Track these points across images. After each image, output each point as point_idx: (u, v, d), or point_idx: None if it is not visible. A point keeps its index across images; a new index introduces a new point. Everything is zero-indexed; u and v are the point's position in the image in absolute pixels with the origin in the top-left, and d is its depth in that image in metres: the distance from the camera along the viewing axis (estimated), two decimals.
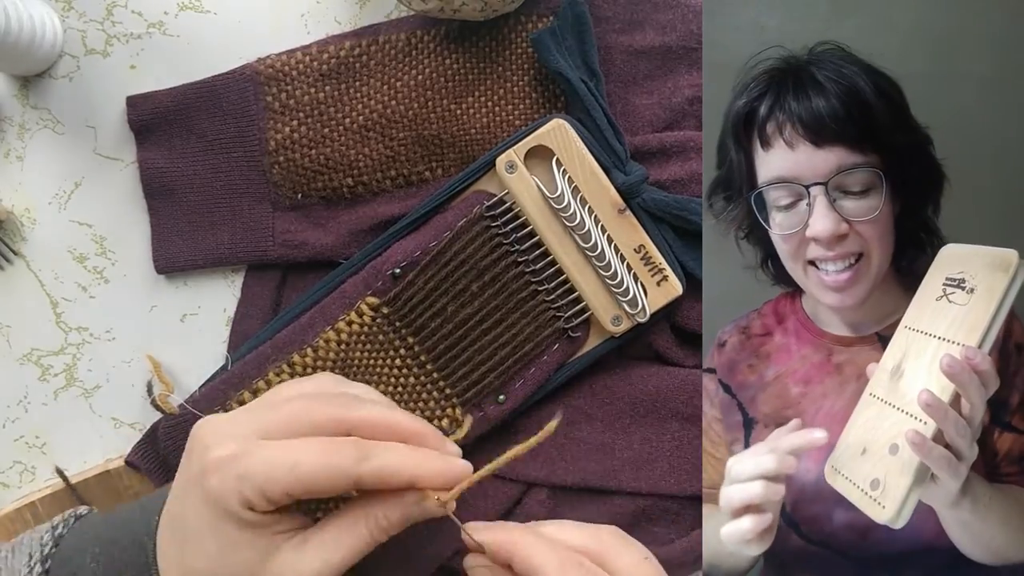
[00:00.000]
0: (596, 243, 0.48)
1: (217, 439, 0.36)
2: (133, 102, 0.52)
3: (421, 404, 0.49)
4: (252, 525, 0.35)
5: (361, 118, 0.50)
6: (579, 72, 0.48)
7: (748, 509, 0.43)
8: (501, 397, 0.49)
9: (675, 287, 0.48)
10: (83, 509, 0.44)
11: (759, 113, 0.46)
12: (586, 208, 0.48)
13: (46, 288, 0.53)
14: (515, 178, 0.48)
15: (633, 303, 0.48)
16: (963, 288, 0.41)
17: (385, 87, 0.50)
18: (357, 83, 0.51)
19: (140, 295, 0.53)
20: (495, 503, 0.50)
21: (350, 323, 0.49)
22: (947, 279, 0.42)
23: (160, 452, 0.50)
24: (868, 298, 0.46)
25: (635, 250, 0.48)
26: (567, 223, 0.48)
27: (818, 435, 0.42)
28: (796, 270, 0.47)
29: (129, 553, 0.38)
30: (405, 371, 0.49)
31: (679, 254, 0.49)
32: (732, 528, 0.43)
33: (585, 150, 0.48)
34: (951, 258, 0.43)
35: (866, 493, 0.40)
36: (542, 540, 0.36)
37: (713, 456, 0.49)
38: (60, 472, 0.52)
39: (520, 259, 0.49)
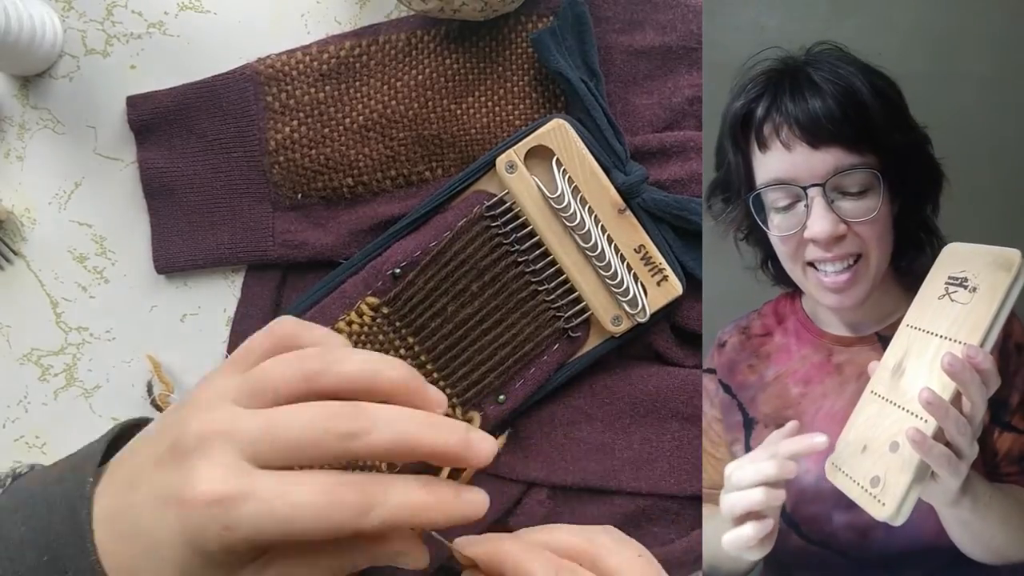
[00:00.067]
0: (596, 243, 0.48)
1: (203, 450, 0.31)
2: (133, 102, 0.52)
3: None
4: (224, 564, 0.32)
5: (361, 118, 0.50)
6: (579, 72, 0.48)
7: (749, 516, 0.43)
8: (501, 397, 0.49)
9: (675, 287, 0.48)
10: (24, 467, 0.42)
11: (756, 115, 0.46)
12: (586, 208, 0.48)
13: (46, 288, 0.53)
14: (515, 178, 0.48)
15: (633, 303, 0.48)
16: (965, 287, 0.41)
17: (385, 87, 0.50)
18: (357, 83, 0.51)
19: (140, 295, 0.53)
20: (495, 503, 0.49)
21: (350, 323, 0.49)
22: (949, 278, 0.42)
23: None
24: (867, 298, 0.46)
25: (635, 250, 0.48)
26: (567, 223, 0.48)
27: (819, 440, 0.42)
28: (795, 271, 0.47)
29: (59, 518, 0.33)
30: None
31: (679, 254, 0.49)
32: (734, 535, 0.43)
33: (585, 150, 0.48)
34: (954, 257, 0.43)
35: (866, 490, 0.40)
36: (533, 549, 0.35)
37: (713, 456, 0.49)
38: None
39: (520, 259, 0.49)
